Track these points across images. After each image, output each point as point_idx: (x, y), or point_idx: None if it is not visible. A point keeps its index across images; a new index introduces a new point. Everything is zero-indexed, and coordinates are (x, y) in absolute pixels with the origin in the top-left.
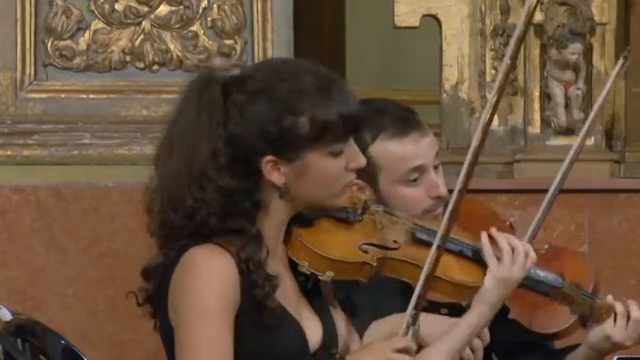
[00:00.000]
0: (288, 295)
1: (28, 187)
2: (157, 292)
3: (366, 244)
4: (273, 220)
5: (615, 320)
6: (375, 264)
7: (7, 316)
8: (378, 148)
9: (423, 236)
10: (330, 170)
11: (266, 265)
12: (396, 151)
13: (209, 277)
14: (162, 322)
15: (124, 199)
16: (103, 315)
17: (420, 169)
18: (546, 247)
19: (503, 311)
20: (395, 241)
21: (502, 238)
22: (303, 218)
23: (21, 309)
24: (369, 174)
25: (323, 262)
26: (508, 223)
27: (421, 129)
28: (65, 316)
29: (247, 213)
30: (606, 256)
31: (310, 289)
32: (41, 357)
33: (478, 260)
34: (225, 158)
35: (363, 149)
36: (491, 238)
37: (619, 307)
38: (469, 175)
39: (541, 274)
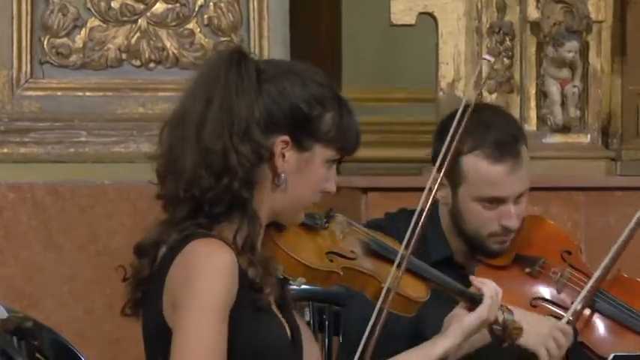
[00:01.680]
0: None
1: (24, 185)
2: (152, 277)
3: (331, 252)
4: (260, 209)
5: None
6: (341, 273)
7: (4, 314)
8: (471, 161)
9: (378, 249)
10: (319, 177)
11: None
12: (485, 173)
13: (211, 275)
14: (151, 307)
15: (120, 196)
16: (99, 313)
17: (501, 200)
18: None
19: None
20: (352, 251)
21: (489, 283)
22: (276, 223)
23: (17, 307)
24: (453, 179)
25: (297, 268)
26: (579, 247)
27: (517, 159)
28: (62, 314)
29: (252, 189)
30: (603, 254)
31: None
32: (37, 355)
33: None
34: (260, 124)
35: (456, 154)
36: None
37: None
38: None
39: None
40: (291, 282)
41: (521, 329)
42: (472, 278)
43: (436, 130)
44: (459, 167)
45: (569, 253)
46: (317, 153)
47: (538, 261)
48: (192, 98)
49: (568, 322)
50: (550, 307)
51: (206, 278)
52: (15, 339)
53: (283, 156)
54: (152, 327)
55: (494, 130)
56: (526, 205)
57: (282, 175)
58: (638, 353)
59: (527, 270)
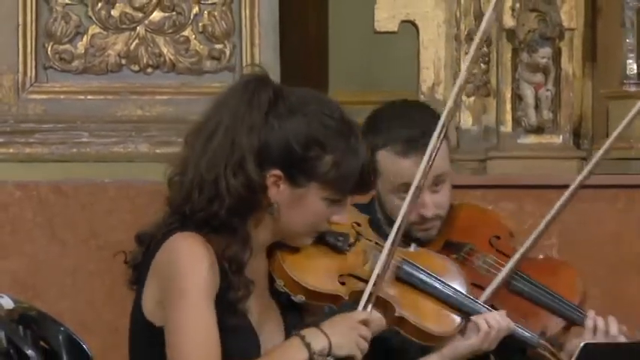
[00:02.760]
0: (252, 307)
1: (29, 183)
2: (142, 264)
3: (348, 274)
4: (258, 233)
5: (595, 334)
6: (347, 297)
7: (10, 304)
8: (382, 156)
9: (405, 277)
10: (318, 212)
11: (245, 270)
12: (395, 167)
13: (192, 260)
14: (137, 293)
15: (120, 194)
16: (100, 303)
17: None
18: (541, 256)
19: None
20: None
21: (491, 318)
22: None
23: (23, 298)
24: (374, 174)
25: (296, 287)
26: (509, 231)
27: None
28: (64, 304)
29: (244, 215)
30: (574, 248)
31: (289, 306)
32: (42, 343)
33: (458, 310)
34: (254, 156)
35: (373, 149)
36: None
37: (600, 323)
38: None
39: (524, 333)
40: (291, 297)
41: None
42: (482, 311)
43: (368, 122)
44: (375, 161)
45: (498, 238)
46: (313, 190)
47: (465, 247)
48: (208, 118)
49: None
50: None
51: (186, 264)
52: (21, 328)
53: (278, 187)
54: (133, 312)
55: (406, 126)
56: (448, 193)
57: (275, 205)
58: (608, 342)
59: (454, 256)
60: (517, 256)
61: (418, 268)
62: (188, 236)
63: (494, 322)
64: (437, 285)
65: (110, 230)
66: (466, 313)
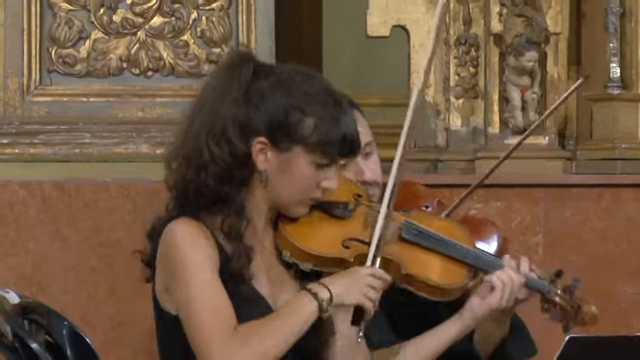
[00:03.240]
0: (264, 283)
1: (33, 183)
2: (152, 258)
3: (351, 239)
4: (254, 203)
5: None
6: (352, 260)
7: (15, 299)
8: None
9: (408, 235)
10: (307, 177)
11: (244, 236)
12: None
13: (188, 240)
14: (152, 287)
15: (121, 193)
16: (101, 298)
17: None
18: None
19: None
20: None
21: (503, 274)
22: None
23: (27, 293)
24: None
25: (301, 255)
26: (437, 200)
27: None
28: (67, 299)
29: (237, 184)
30: (560, 245)
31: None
32: (46, 336)
33: (466, 264)
34: (238, 127)
35: None
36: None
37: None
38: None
39: (538, 282)
40: (299, 266)
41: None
42: (491, 265)
43: None
44: None
45: (427, 207)
46: (299, 155)
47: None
48: (196, 99)
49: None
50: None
51: (185, 250)
52: (26, 322)
53: (265, 155)
54: (153, 306)
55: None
56: (378, 161)
57: (265, 173)
58: (593, 335)
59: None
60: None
61: (419, 227)
62: (181, 221)
63: (507, 278)
64: (440, 241)
65: (111, 228)
66: (472, 266)
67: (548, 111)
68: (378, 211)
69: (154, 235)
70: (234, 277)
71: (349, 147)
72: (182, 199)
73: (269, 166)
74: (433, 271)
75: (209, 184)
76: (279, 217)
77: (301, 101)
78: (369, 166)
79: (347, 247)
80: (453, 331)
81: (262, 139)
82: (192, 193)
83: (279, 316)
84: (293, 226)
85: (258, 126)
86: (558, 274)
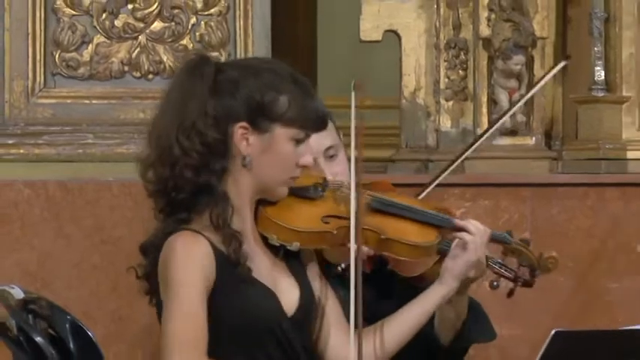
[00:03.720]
0: (261, 270)
1: (38, 182)
2: (152, 270)
3: (327, 216)
4: (238, 189)
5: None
6: (335, 232)
7: (20, 294)
8: None
9: (378, 205)
10: (287, 154)
11: (232, 223)
12: None
13: (186, 258)
14: (157, 298)
15: (123, 192)
16: (103, 294)
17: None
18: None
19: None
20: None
21: (470, 224)
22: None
23: (32, 288)
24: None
25: (289, 234)
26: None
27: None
28: (70, 294)
29: (217, 172)
30: (546, 242)
31: (291, 260)
32: (49, 330)
33: (434, 225)
34: (211, 120)
35: None
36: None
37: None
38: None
39: (500, 235)
40: (287, 247)
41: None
42: (457, 221)
43: None
44: None
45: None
46: (278, 132)
47: (508, 231)
48: (162, 101)
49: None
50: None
51: (180, 261)
52: (30, 317)
53: (247, 140)
54: (158, 309)
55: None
56: (344, 163)
57: (247, 157)
58: (578, 329)
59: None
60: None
61: (385, 198)
62: (180, 234)
63: (474, 228)
64: (406, 208)
65: (113, 226)
66: (439, 225)
67: (531, 92)
68: (346, 190)
69: (151, 248)
70: (230, 263)
71: (321, 120)
72: (165, 201)
73: (252, 149)
74: (409, 232)
75: (186, 175)
76: (258, 206)
77: (272, 81)
78: (332, 169)
79: (327, 223)
80: (436, 296)
81: (243, 124)
82: (171, 190)
83: None
84: (275, 210)
85: (237, 112)
86: (510, 233)
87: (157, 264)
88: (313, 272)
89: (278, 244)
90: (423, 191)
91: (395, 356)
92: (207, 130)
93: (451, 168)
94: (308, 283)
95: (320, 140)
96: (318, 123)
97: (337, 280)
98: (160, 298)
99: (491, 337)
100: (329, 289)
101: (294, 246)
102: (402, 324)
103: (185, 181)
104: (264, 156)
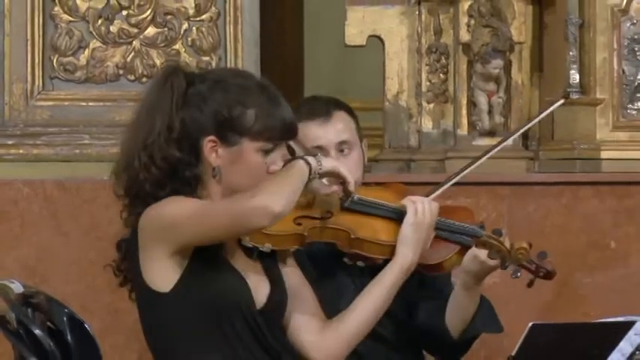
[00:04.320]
0: (237, 265)
1: (36, 181)
2: (124, 262)
3: (300, 217)
4: (209, 196)
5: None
6: (306, 234)
7: (19, 288)
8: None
9: (350, 205)
10: (256, 164)
11: None
12: (305, 130)
13: (173, 202)
14: (135, 286)
15: None
16: (99, 288)
17: (323, 148)
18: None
19: None
20: (328, 212)
21: (415, 198)
22: None
23: (31, 283)
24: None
25: (260, 237)
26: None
27: (327, 116)
28: (68, 289)
29: (188, 182)
30: (523, 239)
31: (265, 260)
32: (47, 323)
33: (399, 221)
34: (176, 134)
35: None
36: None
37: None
38: None
39: (463, 225)
40: (260, 248)
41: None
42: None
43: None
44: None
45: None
46: (247, 145)
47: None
48: (135, 110)
49: None
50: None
51: (165, 207)
52: (29, 310)
53: (216, 152)
54: (140, 299)
55: (310, 103)
56: (357, 161)
57: (217, 168)
58: (554, 322)
59: None
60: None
61: (361, 199)
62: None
63: (416, 198)
64: (375, 206)
65: (109, 223)
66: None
67: (531, 123)
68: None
69: (122, 243)
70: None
71: (288, 130)
72: (128, 202)
73: (221, 161)
74: (378, 231)
75: (145, 188)
76: None
77: (239, 95)
78: (344, 162)
79: (299, 224)
80: (394, 268)
81: (212, 137)
82: (134, 196)
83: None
84: None
85: (205, 126)
86: (482, 226)
87: (129, 256)
88: (288, 269)
89: (251, 246)
90: (436, 190)
91: (401, 349)
92: (170, 145)
93: (468, 170)
94: (281, 280)
95: (337, 133)
96: (285, 132)
97: (347, 270)
98: (139, 280)
99: (498, 329)
100: (306, 284)
101: (266, 247)
102: (364, 305)
103: (145, 193)
104: (234, 167)
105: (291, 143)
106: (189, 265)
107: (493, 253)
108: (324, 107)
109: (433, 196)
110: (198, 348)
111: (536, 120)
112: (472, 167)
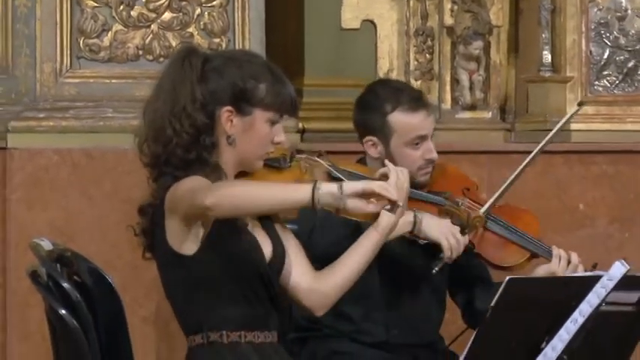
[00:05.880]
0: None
1: (65, 150)
2: (151, 227)
3: (295, 182)
4: (224, 163)
5: (560, 262)
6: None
7: (49, 246)
8: (395, 117)
9: (336, 174)
10: (264, 133)
11: None
12: (409, 121)
13: (198, 179)
14: (159, 249)
15: (137, 158)
16: (121, 246)
17: (422, 138)
18: (508, 204)
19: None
20: (316, 181)
21: (392, 166)
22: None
23: (59, 242)
24: (385, 135)
25: None
26: (476, 186)
27: (428, 107)
28: (92, 247)
29: (207, 148)
30: (501, 202)
31: (263, 219)
32: (75, 277)
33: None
34: (199, 104)
35: (383, 116)
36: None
37: (563, 253)
38: None
39: (429, 195)
40: None
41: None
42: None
43: (368, 96)
44: (388, 125)
45: (468, 189)
46: (258, 115)
47: (444, 194)
48: (155, 87)
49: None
50: None
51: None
52: (58, 265)
53: (231, 122)
54: (164, 260)
55: (405, 91)
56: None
57: (232, 136)
58: (530, 276)
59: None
60: (496, 195)
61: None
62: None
63: (390, 168)
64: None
65: (130, 187)
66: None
67: (553, 131)
68: (310, 160)
69: (148, 208)
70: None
71: (294, 106)
72: (158, 171)
73: (235, 130)
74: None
75: (177, 153)
76: (236, 177)
77: (252, 71)
78: (433, 147)
79: None
80: (370, 234)
81: (228, 107)
82: (163, 164)
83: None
84: (250, 179)
85: (222, 97)
86: (447, 196)
87: (161, 216)
88: (280, 226)
89: None
90: (495, 195)
91: (428, 320)
92: (195, 113)
93: (514, 175)
94: (278, 236)
95: (433, 122)
96: (291, 107)
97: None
98: (162, 245)
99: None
100: (297, 241)
101: None
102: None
103: (176, 157)
104: (246, 135)
105: (390, 134)
106: (211, 231)
107: (455, 220)
108: (422, 98)
109: (491, 201)
110: (219, 303)
111: (558, 126)
112: (518, 171)
